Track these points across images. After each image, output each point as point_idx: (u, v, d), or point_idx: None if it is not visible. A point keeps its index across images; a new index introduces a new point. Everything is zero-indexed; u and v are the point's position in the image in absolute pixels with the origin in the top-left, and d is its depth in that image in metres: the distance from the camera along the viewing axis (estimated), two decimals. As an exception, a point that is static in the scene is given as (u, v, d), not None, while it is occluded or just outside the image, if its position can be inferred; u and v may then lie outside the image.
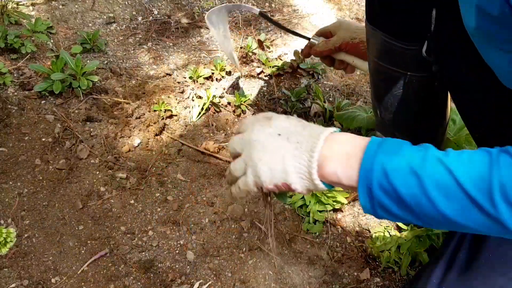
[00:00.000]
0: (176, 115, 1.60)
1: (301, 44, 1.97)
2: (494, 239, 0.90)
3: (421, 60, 1.00)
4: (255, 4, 2.15)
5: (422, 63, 1.02)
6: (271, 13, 2.12)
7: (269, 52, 1.94)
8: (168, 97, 1.64)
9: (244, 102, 1.70)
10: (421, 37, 0.95)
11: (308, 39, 1.35)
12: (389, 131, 1.39)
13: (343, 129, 1.72)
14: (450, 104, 1.28)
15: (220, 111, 1.67)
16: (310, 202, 1.36)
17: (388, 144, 0.66)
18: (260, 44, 1.92)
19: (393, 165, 0.62)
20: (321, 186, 0.71)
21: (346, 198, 1.39)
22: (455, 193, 0.59)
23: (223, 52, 1.80)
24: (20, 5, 1.79)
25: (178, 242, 1.28)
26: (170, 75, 1.74)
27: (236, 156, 0.78)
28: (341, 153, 0.68)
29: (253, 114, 1.76)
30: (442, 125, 1.33)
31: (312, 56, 1.46)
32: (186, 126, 1.58)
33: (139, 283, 1.18)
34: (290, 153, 0.72)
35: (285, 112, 1.76)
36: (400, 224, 1.39)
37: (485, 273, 0.88)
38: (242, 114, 1.69)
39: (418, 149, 0.64)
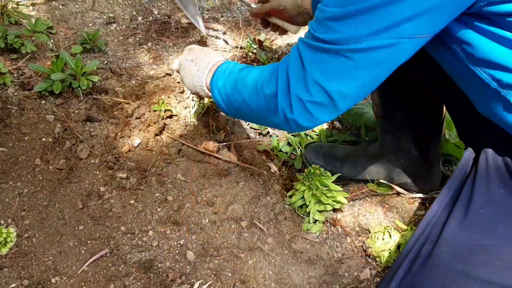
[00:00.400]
0: (176, 115, 1.60)
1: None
2: (452, 233, 0.99)
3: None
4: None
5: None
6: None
7: (269, 52, 1.94)
8: (168, 97, 1.64)
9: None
10: None
11: (248, 5, 1.54)
12: (389, 131, 1.41)
13: (346, 126, 1.72)
14: None
15: (220, 111, 1.67)
16: (310, 202, 1.36)
17: (224, 65, 1.16)
18: (260, 44, 1.92)
19: (218, 76, 1.14)
20: (210, 94, 1.19)
21: (346, 198, 1.39)
22: (238, 95, 1.06)
23: (187, 16, 1.75)
24: (20, 5, 1.79)
25: (178, 242, 1.28)
26: (170, 75, 1.74)
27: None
28: (211, 72, 1.18)
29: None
30: (438, 122, 1.35)
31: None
32: (186, 126, 1.58)
33: (139, 283, 1.18)
34: (196, 74, 1.22)
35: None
36: (400, 224, 1.39)
37: (445, 263, 0.97)
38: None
39: (233, 69, 1.12)
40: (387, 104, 1.38)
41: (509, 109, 0.90)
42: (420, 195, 1.48)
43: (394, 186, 1.48)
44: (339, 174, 1.45)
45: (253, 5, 1.51)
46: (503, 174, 0.99)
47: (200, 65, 1.22)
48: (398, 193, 1.49)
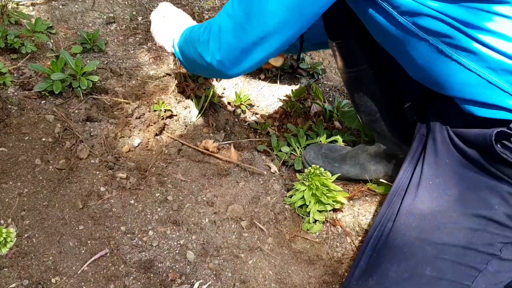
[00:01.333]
0: (176, 115, 1.60)
1: (301, 44, 1.97)
2: (407, 207, 1.10)
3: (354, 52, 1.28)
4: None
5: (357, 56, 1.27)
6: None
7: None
8: (168, 97, 1.64)
9: (244, 102, 1.71)
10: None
11: None
12: (380, 128, 1.43)
13: (346, 126, 1.72)
14: None
15: (220, 111, 1.67)
16: (310, 202, 1.36)
17: (185, 31, 1.27)
18: (260, 44, 1.92)
19: (180, 39, 1.29)
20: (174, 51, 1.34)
21: (346, 198, 1.39)
22: (186, 48, 1.23)
23: None
24: (20, 5, 1.79)
25: (178, 242, 1.28)
26: (170, 75, 1.74)
27: None
28: (178, 35, 1.31)
29: (252, 114, 1.76)
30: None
31: (311, 56, 1.59)
32: (186, 126, 1.58)
33: (139, 283, 1.18)
34: (167, 32, 1.37)
35: (285, 113, 1.76)
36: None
37: (402, 233, 1.08)
38: (242, 114, 1.69)
39: (188, 28, 1.27)
40: (361, 106, 1.41)
41: (439, 56, 0.97)
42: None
43: (394, 186, 1.48)
44: (339, 174, 1.45)
45: None
46: (447, 145, 1.08)
47: (173, 26, 1.36)
48: (398, 193, 1.49)
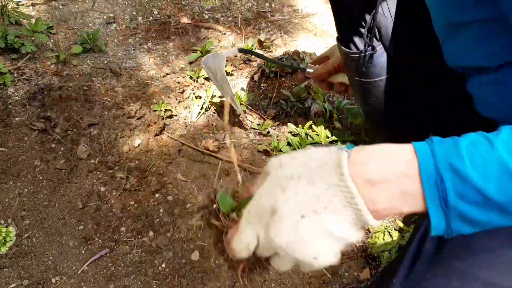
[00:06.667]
0: (176, 115, 1.60)
1: (301, 44, 1.97)
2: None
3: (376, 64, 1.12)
4: (254, 4, 2.15)
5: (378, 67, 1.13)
6: (271, 13, 2.12)
7: (269, 52, 1.94)
8: (168, 97, 1.64)
9: (244, 102, 1.70)
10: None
11: (303, 69, 1.44)
12: (383, 139, 1.41)
13: (346, 126, 1.72)
14: None
15: (220, 111, 1.67)
16: (310, 202, 1.35)
17: (440, 144, 0.54)
18: (260, 44, 1.92)
19: (467, 165, 0.51)
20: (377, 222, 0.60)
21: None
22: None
23: (224, 97, 1.65)
24: (20, 5, 1.79)
25: (179, 242, 1.28)
26: (170, 75, 1.74)
27: None
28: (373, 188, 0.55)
29: (252, 114, 1.76)
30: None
31: (311, 56, 1.54)
32: (186, 126, 1.58)
33: (139, 283, 1.18)
34: (341, 220, 0.59)
35: (285, 113, 1.76)
36: (401, 225, 1.38)
37: (449, 261, 0.92)
38: (242, 114, 1.69)
39: (475, 138, 0.53)
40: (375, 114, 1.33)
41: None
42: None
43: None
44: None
45: (308, 70, 1.43)
46: None
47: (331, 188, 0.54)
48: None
